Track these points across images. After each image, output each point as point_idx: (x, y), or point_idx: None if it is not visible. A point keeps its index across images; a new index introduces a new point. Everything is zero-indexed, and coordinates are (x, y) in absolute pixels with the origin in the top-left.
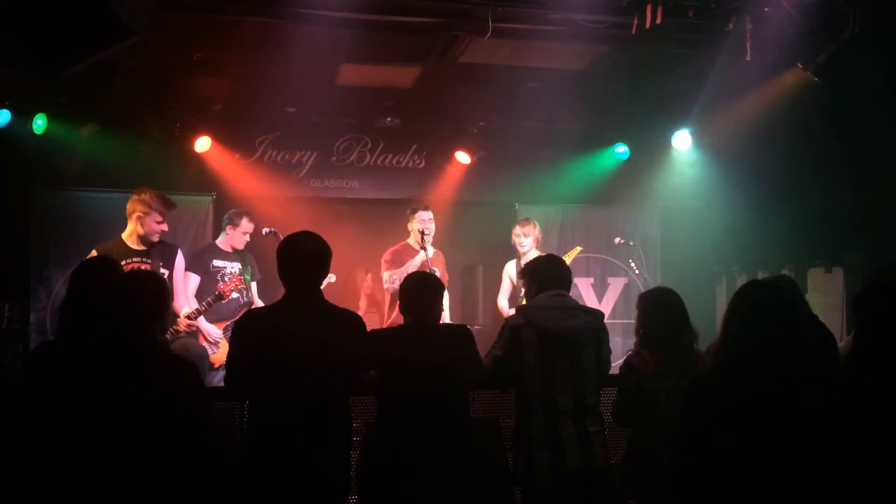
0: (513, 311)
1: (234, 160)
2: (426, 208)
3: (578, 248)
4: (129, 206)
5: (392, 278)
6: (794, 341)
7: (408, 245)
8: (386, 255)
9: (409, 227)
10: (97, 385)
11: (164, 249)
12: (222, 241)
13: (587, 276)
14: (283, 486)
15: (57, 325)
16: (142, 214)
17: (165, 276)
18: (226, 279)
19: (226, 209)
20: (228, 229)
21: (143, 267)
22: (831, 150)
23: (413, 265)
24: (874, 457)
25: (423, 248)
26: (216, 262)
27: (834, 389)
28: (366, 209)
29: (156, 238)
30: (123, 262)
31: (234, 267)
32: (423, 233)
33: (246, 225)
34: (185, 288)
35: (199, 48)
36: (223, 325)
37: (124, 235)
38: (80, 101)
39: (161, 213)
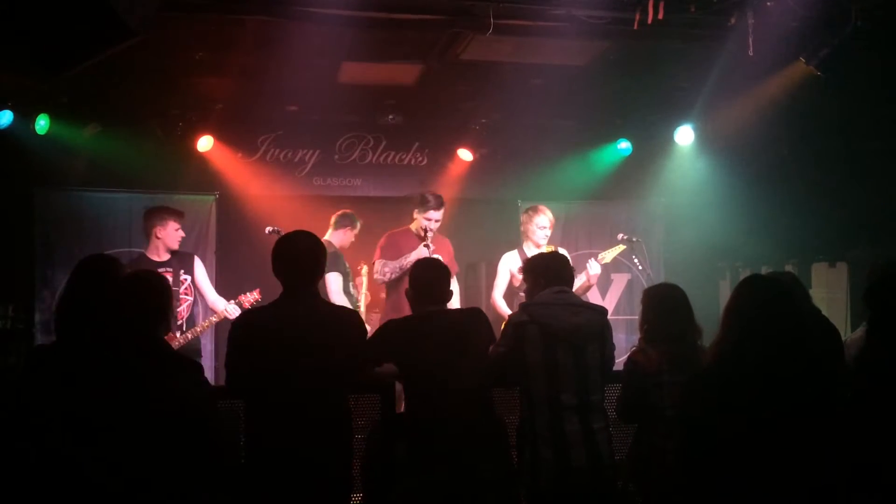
0: (505, 306)
1: (237, 159)
2: (438, 208)
3: (622, 247)
4: (146, 224)
5: (384, 270)
6: (794, 335)
7: (409, 231)
8: (382, 240)
9: (415, 215)
10: (101, 385)
11: (182, 257)
12: (154, 250)
13: None
14: (284, 486)
15: (56, 324)
16: (159, 227)
17: (188, 282)
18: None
19: (228, 208)
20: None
21: (167, 276)
22: (835, 144)
23: (409, 260)
24: (880, 454)
25: (426, 245)
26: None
27: (836, 384)
28: (368, 207)
29: (177, 245)
30: None
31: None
32: (426, 230)
33: (173, 222)
34: (212, 285)
35: (200, 48)
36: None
37: (146, 251)
38: (83, 102)
39: (176, 221)
